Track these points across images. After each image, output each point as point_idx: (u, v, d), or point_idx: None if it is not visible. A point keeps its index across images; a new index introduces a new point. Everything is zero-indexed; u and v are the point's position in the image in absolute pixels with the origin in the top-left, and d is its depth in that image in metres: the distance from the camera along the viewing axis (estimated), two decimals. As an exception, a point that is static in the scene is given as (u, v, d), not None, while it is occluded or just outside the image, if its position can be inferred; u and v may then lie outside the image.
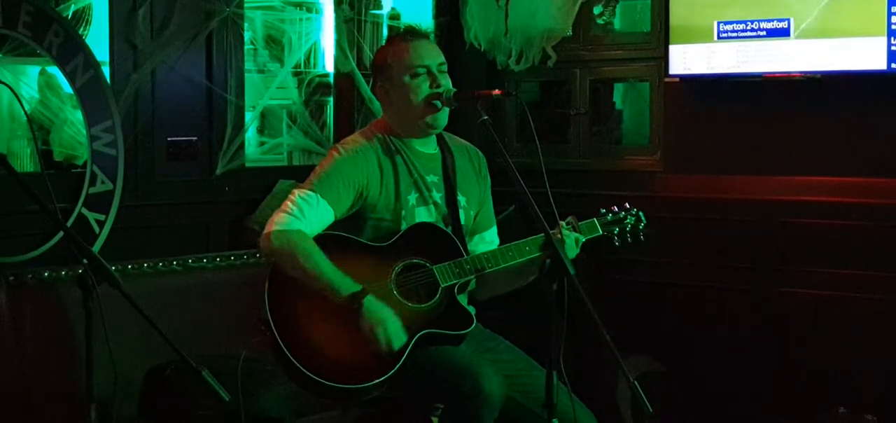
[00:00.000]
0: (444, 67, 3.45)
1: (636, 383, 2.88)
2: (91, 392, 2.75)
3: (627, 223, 3.58)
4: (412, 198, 3.44)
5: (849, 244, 4.71)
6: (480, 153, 3.66)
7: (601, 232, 3.53)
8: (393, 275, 3.31)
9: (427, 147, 3.51)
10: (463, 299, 3.45)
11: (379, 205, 3.40)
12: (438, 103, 3.40)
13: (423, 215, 3.46)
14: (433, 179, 3.50)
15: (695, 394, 4.99)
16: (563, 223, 3.27)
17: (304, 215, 3.27)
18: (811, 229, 4.81)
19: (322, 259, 3.24)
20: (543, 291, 3.02)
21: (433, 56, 3.42)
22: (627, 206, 3.60)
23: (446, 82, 3.43)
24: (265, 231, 3.28)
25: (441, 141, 3.54)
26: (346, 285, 3.22)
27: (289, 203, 3.30)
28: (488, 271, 3.41)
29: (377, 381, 3.19)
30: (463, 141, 3.65)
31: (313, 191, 3.31)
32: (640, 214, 3.61)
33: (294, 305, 3.25)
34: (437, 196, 3.48)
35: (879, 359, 4.63)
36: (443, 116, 3.45)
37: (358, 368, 3.21)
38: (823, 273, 4.77)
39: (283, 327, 3.21)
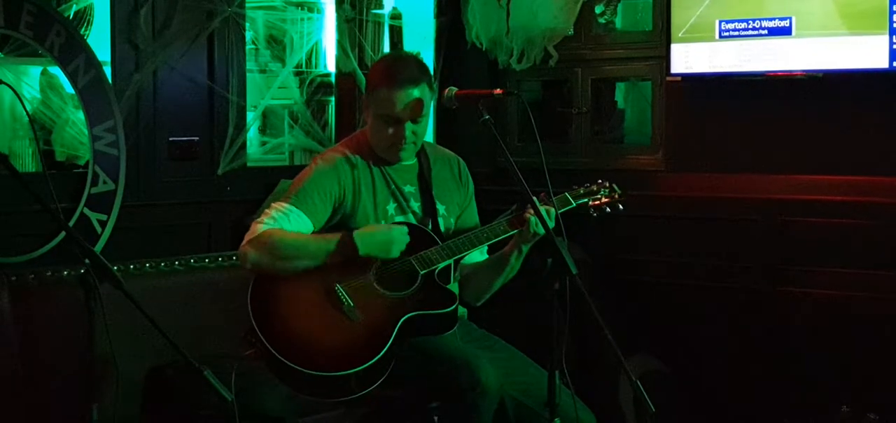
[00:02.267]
0: (424, 120, 3.45)
1: (638, 382, 2.88)
2: (93, 392, 2.75)
3: (601, 194, 3.61)
4: (391, 208, 3.49)
5: (851, 243, 4.71)
6: (461, 160, 3.69)
7: (574, 204, 3.56)
8: (372, 269, 3.36)
9: (405, 159, 3.54)
10: (454, 289, 3.47)
11: (358, 216, 3.44)
12: (400, 147, 3.44)
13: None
14: (410, 189, 3.54)
15: (697, 393, 4.98)
16: (535, 199, 3.25)
17: (277, 222, 3.33)
18: (813, 227, 4.80)
19: (300, 237, 3.33)
20: (545, 291, 3.02)
21: (415, 109, 3.40)
22: (600, 181, 3.64)
23: (420, 130, 3.44)
24: (242, 245, 3.34)
25: (420, 151, 3.57)
26: (331, 241, 3.30)
27: (263, 216, 3.36)
28: (466, 252, 3.45)
29: (371, 361, 3.22)
30: (443, 149, 3.69)
31: (289, 203, 3.38)
32: (614, 186, 3.65)
33: (278, 310, 3.30)
34: (416, 205, 3.53)
35: (882, 358, 4.62)
36: (407, 154, 3.50)
37: (352, 355, 3.24)
38: (826, 272, 4.77)
39: (271, 333, 3.25)
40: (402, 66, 3.44)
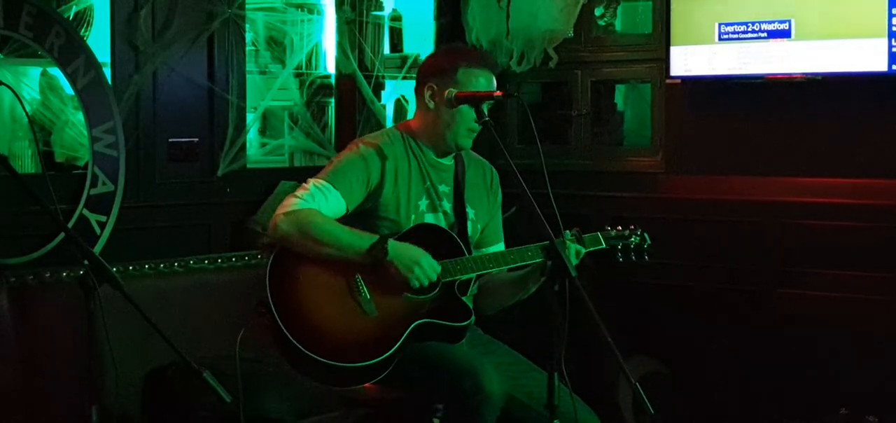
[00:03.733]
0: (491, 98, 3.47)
1: (638, 384, 2.88)
2: (92, 393, 2.75)
3: (632, 241, 3.59)
4: (423, 203, 3.48)
5: (850, 245, 4.71)
6: (494, 169, 3.69)
7: (605, 245, 3.54)
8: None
9: (444, 158, 3.54)
10: (468, 301, 3.46)
11: (389, 206, 3.42)
12: (476, 131, 3.45)
13: (432, 221, 3.49)
14: (445, 189, 3.53)
15: (696, 395, 4.99)
16: (567, 232, 3.29)
17: (315, 200, 3.31)
18: (812, 230, 4.81)
19: (335, 225, 3.30)
20: (545, 292, 3.02)
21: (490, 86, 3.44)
22: (632, 227, 3.63)
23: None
24: (276, 214, 3.32)
25: (457, 153, 3.57)
26: (365, 240, 3.27)
27: (300, 190, 3.35)
28: (490, 271, 3.43)
29: (375, 360, 3.21)
30: (477, 156, 3.68)
31: (327, 181, 3.35)
32: (646, 235, 3.63)
33: (296, 287, 3.29)
34: (447, 206, 3.52)
35: (881, 360, 4.62)
36: (470, 142, 3.51)
37: (359, 348, 3.24)
38: (824, 274, 4.77)
39: (284, 308, 3.23)
40: (480, 51, 3.47)
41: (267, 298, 3.23)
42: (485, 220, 3.61)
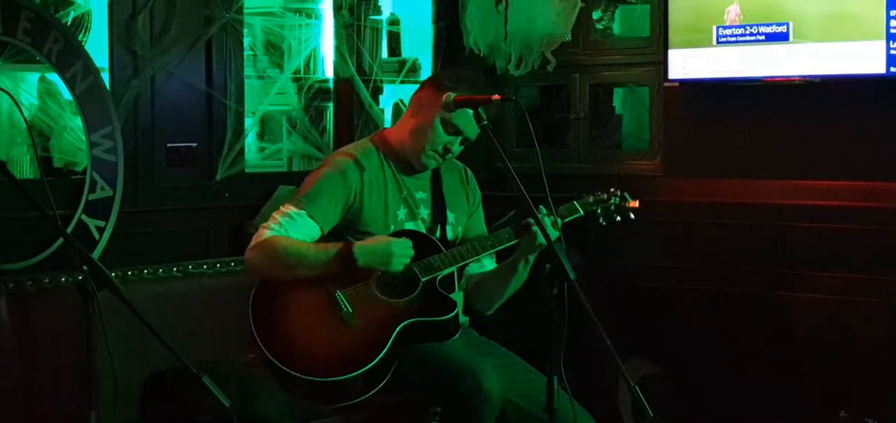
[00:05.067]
0: (469, 142, 3.48)
1: (636, 387, 2.88)
2: (92, 399, 2.75)
3: (611, 203, 3.58)
4: (401, 213, 3.48)
5: (849, 248, 4.71)
6: (468, 169, 3.70)
7: (582, 212, 3.53)
8: (374, 276, 3.34)
9: (432, 167, 3.54)
10: (458, 297, 3.46)
11: (369, 220, 3.43)
12: (439, 160, 3.45)
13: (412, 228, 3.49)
14: (422, 195, 3.53)
15: (695, 398, 4.98)
16: (541, 207, 3.26)
17: (284, 229, 3.31)
18: (811, 232, 4.81)
19: (300, 245, 3.31)
20: (543, 295, 3.02)
21: (475, 132, 3.41)
22: (612, 189, 3.61)
23: (457, 150, 3.47)
24: (247, 250, 3.35)
25: None
26: (328, 252, 3.29)
27: (270, 221, 3.36)
28: (469, 261, 3.44)
29: (366, 367, 3.21)
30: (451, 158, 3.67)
31: (299, 208, 3.36)
32: (626, 194, 3.61)
33: (279, 319, 3.30)
34: (425, 212, 3.53)
35: (880, 362, 4.62)
36: (436, 165, 3.50)
37: (350, 360, 3.24)
38: (823, 277, 4.77)
39: (270, 338, 3.25)
40: (483, 88, 3.44)
41: (252, 333, 3.24)
42: (465, 221, 3.62)
